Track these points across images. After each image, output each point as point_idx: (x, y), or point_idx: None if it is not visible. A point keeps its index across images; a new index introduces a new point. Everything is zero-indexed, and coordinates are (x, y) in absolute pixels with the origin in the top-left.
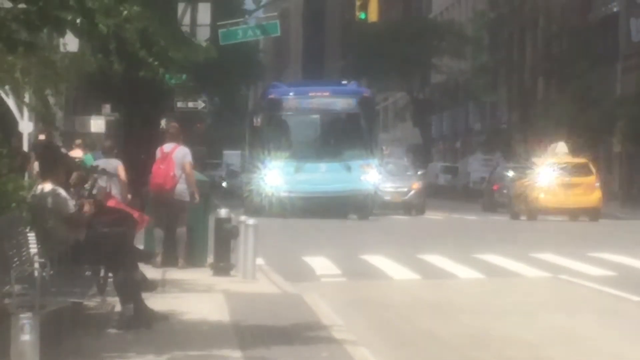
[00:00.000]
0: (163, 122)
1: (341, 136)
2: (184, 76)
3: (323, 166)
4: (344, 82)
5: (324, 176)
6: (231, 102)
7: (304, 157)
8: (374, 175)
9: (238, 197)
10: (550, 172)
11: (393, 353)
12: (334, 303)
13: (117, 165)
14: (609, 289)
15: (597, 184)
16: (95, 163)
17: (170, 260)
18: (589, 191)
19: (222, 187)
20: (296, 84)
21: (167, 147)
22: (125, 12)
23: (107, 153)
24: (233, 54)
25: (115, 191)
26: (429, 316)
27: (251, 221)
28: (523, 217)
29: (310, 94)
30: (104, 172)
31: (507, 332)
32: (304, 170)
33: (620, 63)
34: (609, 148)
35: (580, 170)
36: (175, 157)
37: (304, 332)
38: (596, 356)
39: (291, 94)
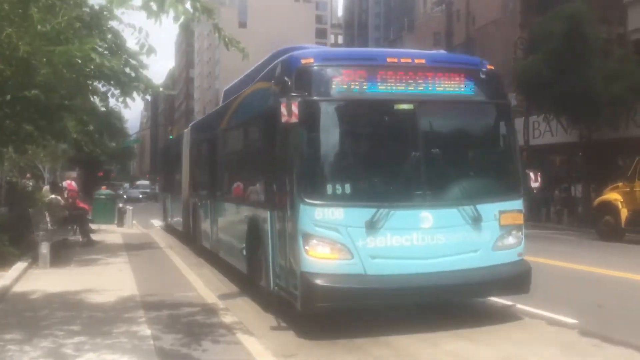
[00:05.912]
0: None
1: (459, 151)
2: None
3: (427, 217)
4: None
5: (430, 238)
6: (125, 167)
7: (386, 197)
8: (521, 231)
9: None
10: None
11: (183, 252)
12: (159, 235)
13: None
14: None
15: None
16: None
17: None
18: None
19: (124, 198)
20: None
21: (67, 182)
22: (87, 128)
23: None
24: (127, 149)
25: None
26: None
27: (130, 207)
28: None
29: (388, 60)
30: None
31: None
32: (387, 224)
33: None
34: None
35: None
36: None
37: (150, 245)
38: None
39: (347, 61)
